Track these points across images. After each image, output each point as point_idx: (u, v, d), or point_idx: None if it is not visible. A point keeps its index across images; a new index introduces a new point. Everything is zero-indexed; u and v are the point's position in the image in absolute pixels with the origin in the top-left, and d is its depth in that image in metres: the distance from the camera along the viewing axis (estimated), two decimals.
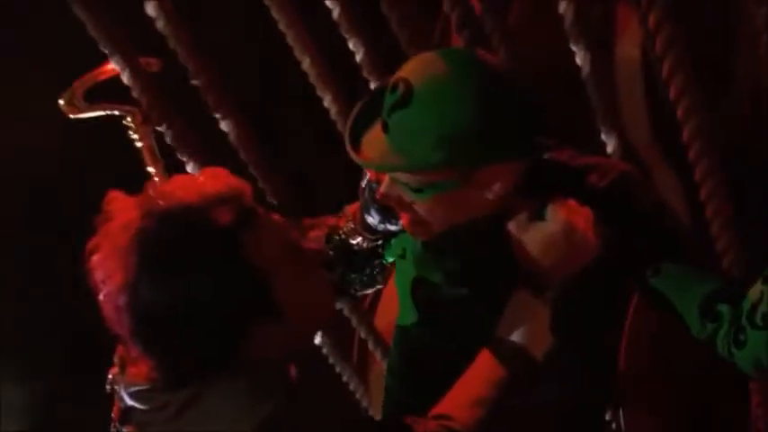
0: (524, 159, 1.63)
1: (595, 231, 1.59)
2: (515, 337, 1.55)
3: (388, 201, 1.68)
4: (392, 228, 1.82)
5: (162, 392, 1.51)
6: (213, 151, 2.29)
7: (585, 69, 2.15)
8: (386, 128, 1.62)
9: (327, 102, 2.29)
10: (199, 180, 1.53)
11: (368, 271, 1.99)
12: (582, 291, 1.63)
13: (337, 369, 2.81)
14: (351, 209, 1.92)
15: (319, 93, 2.29)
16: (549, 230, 1.58)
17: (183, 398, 1.47)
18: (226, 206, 1.48)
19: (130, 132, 2.22)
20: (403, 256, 1.87)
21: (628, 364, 1.96)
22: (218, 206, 1.47)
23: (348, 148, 1.67)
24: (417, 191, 1.63)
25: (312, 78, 2.26)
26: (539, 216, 1.60)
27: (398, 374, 1.94)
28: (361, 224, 1.86)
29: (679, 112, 1.55)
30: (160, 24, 2.12)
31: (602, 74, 2.18)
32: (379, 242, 1.93)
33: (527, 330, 1.55)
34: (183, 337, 1.46)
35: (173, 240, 1.45)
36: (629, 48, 2.47)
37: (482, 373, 1.55)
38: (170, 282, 1.44)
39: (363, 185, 1.81)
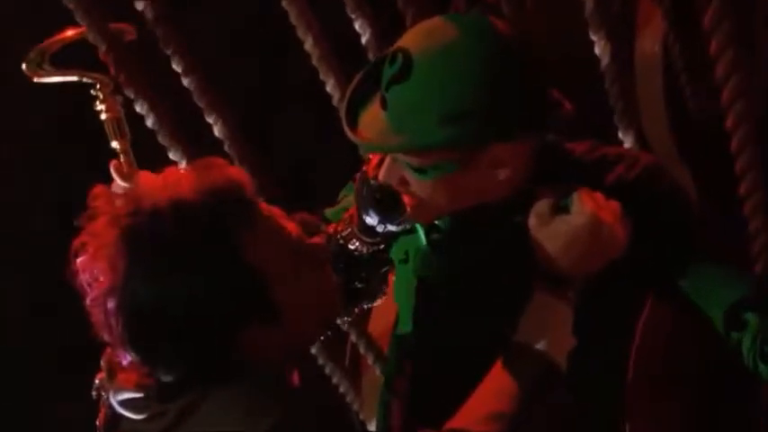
0: (534, 139, 1.52)
1: (623, 226, 1.47)
2: (536, 342, 1.44)
3: (389, 179, 1.57)
4: (393, 228, 1.70)
5: (156, 401, 1.40)
6: (200, 137, 2.20)
7: (605, 61, 2.08)
8: (384, 104, 1.50)
9: (330, 87, 2.19)
10: (193, 172, 1.42)
11: (374, 282, 1.84)
12: (605, 289, 1.52)
13: (327, 371, 2.73)
14: (347, 213, 1.79)
15: (322, 77, 2.18)
16: (574, 224, 1.45)
17: (181, 405, 1.37)
18: (222, 200, 1.37)
19: (97, 103, 2.08)
20: (405, 261, 1.75)
21: (637, 364, 1.89)
22: (213, 201, 1.37)
23: (345, 127, 1.55)
24: (420, 171, 1.53)
25: (315, 60, 2.16)
26: (562, 208, 1.47)
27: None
28: (360, 226, 1.73)
29: (725, 95, 1.45)
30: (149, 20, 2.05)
31: (621, 67, 2.11)
32: (381, 247, 1.79)
33: (549, 335, 1.44)
34: (176, 343, 1.36)
35: (164, 239, 1.35)
36: (649, 44, 2.40)
37: (501, 382, 1.44)
38: (161, 283, 1.34)
39: (360, 182, 1.69)
